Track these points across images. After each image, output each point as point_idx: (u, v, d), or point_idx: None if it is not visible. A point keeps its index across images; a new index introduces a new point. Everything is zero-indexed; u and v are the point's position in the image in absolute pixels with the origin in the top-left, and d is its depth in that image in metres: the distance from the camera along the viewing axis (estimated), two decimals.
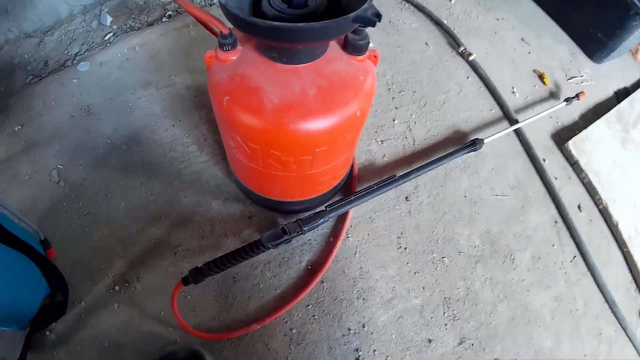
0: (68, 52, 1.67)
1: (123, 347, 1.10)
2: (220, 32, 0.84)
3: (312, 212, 1.15)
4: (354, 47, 0.89)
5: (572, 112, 1.82)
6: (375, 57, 0.95)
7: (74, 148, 1.41)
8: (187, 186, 1.35)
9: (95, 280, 1.18)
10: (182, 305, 1.14)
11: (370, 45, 1.60)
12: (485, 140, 1.45)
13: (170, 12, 1.86)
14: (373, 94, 0.95)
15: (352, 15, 0.72)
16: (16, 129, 1.44)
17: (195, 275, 1.05)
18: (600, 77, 2.04)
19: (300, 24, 0.70)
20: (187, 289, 1.14)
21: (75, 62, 1.64)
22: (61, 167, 1.37)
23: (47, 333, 1.10)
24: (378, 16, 0.75)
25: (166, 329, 1.12)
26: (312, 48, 0.85)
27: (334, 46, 0.92)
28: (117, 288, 1.17)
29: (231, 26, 0.82)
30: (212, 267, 1.05)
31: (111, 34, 1.75)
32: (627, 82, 2.08)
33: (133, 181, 1.35)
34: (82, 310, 1.14)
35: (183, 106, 1.53)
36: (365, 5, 0.74)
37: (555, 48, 2.07)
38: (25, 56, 1.64)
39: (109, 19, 1.79)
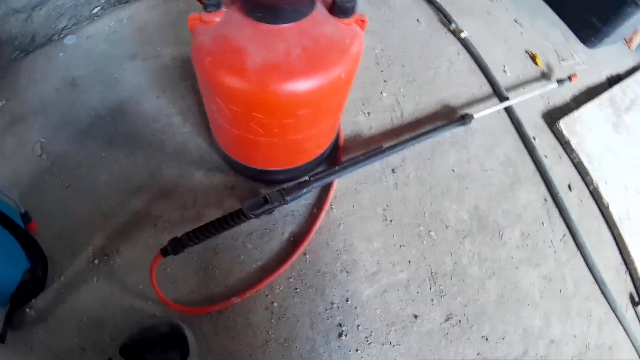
0: (55, 26, 1.64)
1: (102, 322, 1.10)
2: None
3: (296, 182, 1.15)
4: (340, 9, 0.89)
5: (563, 94, 1.82)
6: (362, 21, 0.94)
7: (58, 121, 1.41)
8: (169, 157, 1.34)
9: (76, 254, 1.18)
10: (161, 278, 1.13)
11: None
12: (475, 116, 1.44)
13: None
14: (359, 57, 0.94)
15: None
16: (1, 104, 1.44)
17: (175, 246, 1.04)
18: (593, 63, 2.04)
19: None
20: (166, 261, 1.12)
21: (62, 36, 1.62)
22: (44, 140, 1.36)
23: (27, 310, 1.10)
24: None
25: (145, 303, 1.12)
26: (296, 5, 0.84)
27: (320, 9, 0.92)
28: (96, 262, 1.16)
29: None
30: (192, 238, 1.04)
31: (99, 7, 1.73)
32: (620, 69, 2.08)
33: (116, 153, 1.35)
34: (61, 286, 1.13)
35: (168, 77, 1.52)
36: None
37: (549, 31, 2.08)
38: (13, 32, 1.61)
39: None
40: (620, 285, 1.43)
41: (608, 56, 2.11)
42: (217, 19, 0.87)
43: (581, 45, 2.10)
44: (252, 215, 1.05)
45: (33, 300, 1.11)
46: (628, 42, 2.23)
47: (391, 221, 1.31)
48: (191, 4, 0.77)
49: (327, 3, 0.92)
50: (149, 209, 1.25)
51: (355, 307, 1.17)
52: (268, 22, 0.85)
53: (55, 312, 1.10)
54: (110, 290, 1.14)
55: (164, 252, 1.05)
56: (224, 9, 0.88)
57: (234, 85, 0.85)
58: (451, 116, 1.57)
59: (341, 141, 1.40)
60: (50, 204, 1.25)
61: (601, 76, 2.01)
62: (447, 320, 1.20)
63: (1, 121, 1.40)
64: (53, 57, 1.55)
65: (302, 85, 0.85)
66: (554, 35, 2.07)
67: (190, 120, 1.42)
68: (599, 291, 1.38)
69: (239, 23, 0.87)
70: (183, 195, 1.28)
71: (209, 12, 0.86)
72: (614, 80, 2.00)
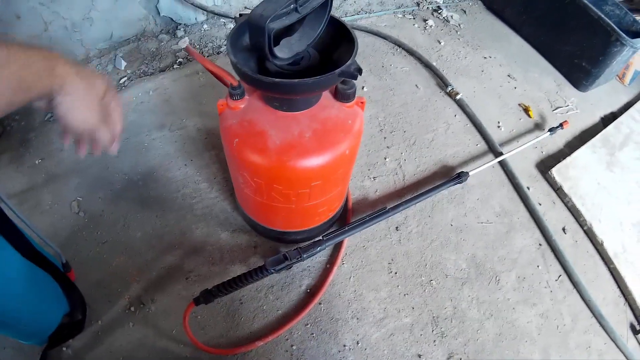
0: None
1: None
2: (231, 83, 0.96)
3: (311, 241, 1.24)
4: (343, 95, 1.02)
5: (557, 141, 1.91)
6: (362, 102, 1.08)
7: (93, 182, 1.52)
8: (198, 219, 1.46)
9: (113, 302, 1.27)
10: (192, 324, 1.23)
11: (364, 89, 1.79)
12: (471, 173, 1.54)
13: (180, 59, 2.00)
14: (361, 134, 1.07)
15: (337, 71, 0.85)
16: (37, 162, 1.55)
17: (206, 296, 1.13)
18: (587, 105, 2.12)
19: (295, 80, 0.83)
20: (197, 309, 1.22)
21: None
22: (81, 199, 1.47)
23: (64, 349, 1.17)
24: (359, 71, 0.89)
25: (178, 346, 1.21)
26: (307, 98, 0.98)
27: (327, 95, 1.05)
28: (132, 309, 1.26)
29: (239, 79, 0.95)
30: (221, 289, 1.13)
31: (126, 78, 1.89)
32: (614, 107, 2.17)
33: (149, 214, 1.46)
34: (98, 329, 1.21)
35: (194, 147, 1.64)
36: (349, 62, 0.87)
37: (542, 80, 2.18)
38: None
39: (124, 63, 1.94)
40: (620, 317, 1.46)
41: (602, 95, 2.19)
42: (242, 106, 1.01)
43: (574, 90, 2.19)
44: (273, 271, 1.12)
45: (70, 340, 1.18)
46: (621, 77, 2.32)
47: (396, 273, 1.41)
48: (210, 78, 0.89)
49: (332, 89, 1.05)
50: (181, 264, 1.35)
51: (365, 349, 1.26)
52: (284, 111, 0.99)
53: (92, 352, 1.18)
54: (145, 334, 1.21)
55: (197, 301, 1.14)
56: (247, 97, 1.01)
57: (257, 162, 0.97)
58: (449, 174, 1.66)
59: (350, 204, 1.51)
60: (87, 257, 1.34)
61: (595, 117, 2.08)
62: (448, 358, 1.28)
63: (38, 178, 1.51)
64: None
65: (314, 161, 0.97)
66: (546, 84, 2.16)
67: (215, 187, 1.54)
68: (597, 324, 1.42)
69: (260, 110, 1.00)
70: (211, 253, 1.38)
71: (235, 100, 1.00)
72: (608, 120, 2.07)
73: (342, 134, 1.01)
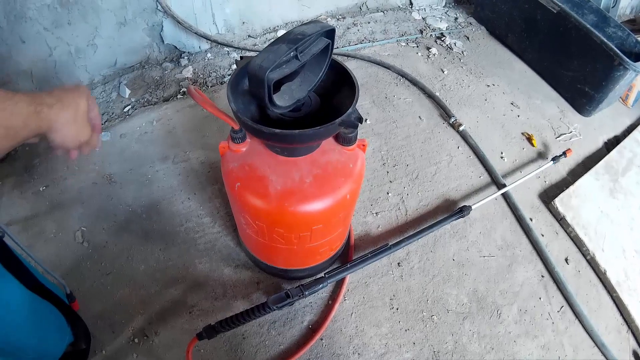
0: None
1: None
2: (232, 127, 0.97)
3: (313, 278, 1.25)
4: (344, 139, 1.02)
5: (560, 170, 1.91)
6: (364, 145, 1.09)
7: (96, 212, 1.54)
8: (201, 254, 1.48)
9: (116, 333, 1.28)
10: (196, 358, 1.25)
11: (367, 122, 1.80)
12: (473, 207, 1.55)
13: (184, 89, 2.03)
14: (362, 177, 1.07)
15: (338, 120, 0.86)
16: (41, 189, 1.58)
17: (209, 332, 1.14)
18: (590, 130, 2.13)
19: (295, 131, 0.83)
20: (200, 343, 1.21)
21: None
22: (85, 229, 1.49)
23: None
24: (360, 120, 0.89)
25: None
26: (307, 146, 0.99)
27: (328, 139, 1.06)
28: (136, 340, 1.27)
29: None
30: (224, 325, 1.14)
31: (130, 106, 1.92)
32: (618, 131, 2.17)
33: (152, 247, 1.47)
34: (102, 359, 1.23)
35: (197, 180, 1.66)
36: (349, 111, 0.88)
37: (545, 107, 2.19)
38: None
39: (128, 91, 1.98)
40: (622, 344, 1.46)
41: (605, 119, 2.19)
42: (243, 149, 1.02)
43: (577, 115, 2.19)
44: (275, 308, 1.12)
45: None
46: (624, 100, 2.31)
47: (397, 309, 1.41)
48: None
49: None
50: (184, 298, 1.37)
51: None
52: (285, 156, 1.00)
53: None
54: None
55: (200, 336, 1.14)
56: (248, 140, 1.03)
57: (259, 206, 0.98)
58: (451, 208, 1.67)
59: (352, 241, 1.52)
60: (91, 288, 1.36)
61: (598, 143, 2.08)
62: None
63: (42, 205, 1.53)
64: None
65: (314, 206, 0.98)
66: (549, 110, 2.17)
67: (218, 221, 1.55)
68: (599, 353, 1.42)
69: (262, 154, 1.01)
70: (214, 288, 1.40)
71: (236, 143, 1.01)
72: (611, 144, 2.07)
73: (342, 179, 1.02)
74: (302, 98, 0.95)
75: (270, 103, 0.86)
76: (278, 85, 0.92)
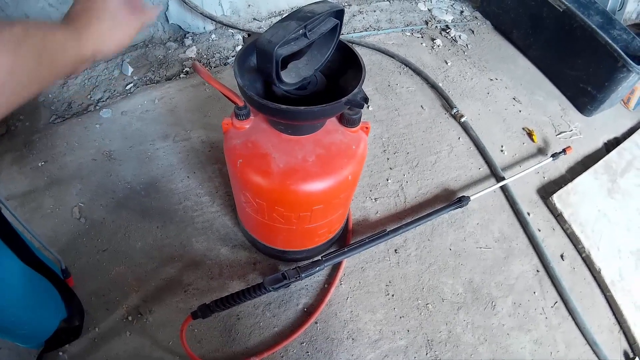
0: (91, 97, 1.81)
1: None
2: (236, 105, 0.97)
3: (310, 260, 1.26)
4: (348, 120, 1.02)
5: (559, 167, 1.92)
6: (367, 128, 1.08)
7: (95, 189, 1.53)
8: (199, 232, 1.47)
9: (111, 310, 1.28)
10: (189, 337, 1.24)
11: (370, 108, 1.79)
12: (472, 198, 1.55)
13: (187, 69, 2.01)
14: (364, 160, 1.07)
15: (344, 99, 0.86)
16: (39, 164, 1.57)
17: (204, 311, 1.15)
18: (591, 130, 2.13)
19: (301, 107, 0.83)
20: (194, 323, 1.23)
21: (97, 107, 1.77)
22: (82, 205, 1.48)
23: (60, 353, 1.19)
24: (366, 100, 0.89)
25: (173, 358, 1.22)
26: (312, 124, 0.99)
27: (332, 119, 1.05)
28: (130, 318, 1.27)
29: None
30: (219, 305, 1.15)
31: (132, 84, 1.91)
32: (618, 132, 2.17)
33: (150, 224, 1.47)
34: (95, 336, 1.23)
35: (198, 159, 1.66)
36: (356, 90, 0.87)
37: (547, 104, 2.19)
38: (50, 96, 1.78)
39: (130, 69, 1.96)
40: (614, 344, 1.47)
41: (606, 120, 2.19)
42: (247, 126, 1.01)
43: (578, 114, 2.19)
44: (271, 289, 1.14)
45: (67, 345, 1.19)
46: (626, 102, 2.32)
47: (393, 295, 1.42)
48: (216, 90, 0.89)
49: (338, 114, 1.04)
50: (180, 277, 1.36)
51: None
52: (289, 134, 1.00)
53: (88, 358, 1.19)
54: (141, 344, 1.23)
55: (194, 315, 1.15)
56: (252, 117, 1.02)
57: (260, 184, 0.98)
58: (450, 198, 1.67)
59: (350, 225, 1.52)
60: (87, 264, 1.35)
61: (598, 143, 2.09)
62: None
63: (40, 181, 1.52)
64: (90, 128, 1.69)
65: (316, 186, 0.97)
66: (551, 107, 2.18)
67: (217, 201, 1.55)
68: (590, 351, 1.43)
69: (265, 131, 1.01)
70: (211, 267, 1.39)
71: (240, 120, 1.00)
72: (611, 145, 2.08)
73: (345, 160, 1.01)
74: (308, 76, 0.94)
75: (278, 79, 0.85)
76: (285, 62, 0.92)
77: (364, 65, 0.95)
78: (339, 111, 0.95)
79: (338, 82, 1.01)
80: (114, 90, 1.88)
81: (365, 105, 0.91)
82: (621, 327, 1.53)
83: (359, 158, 1.05)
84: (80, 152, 1.63)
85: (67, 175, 1.56)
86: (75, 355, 1.20)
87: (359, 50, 2.17)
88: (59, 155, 1.61)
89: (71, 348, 1.20)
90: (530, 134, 2.02)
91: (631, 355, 1.48)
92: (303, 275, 1.19)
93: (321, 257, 1.26)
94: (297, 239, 1.30)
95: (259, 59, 0.82)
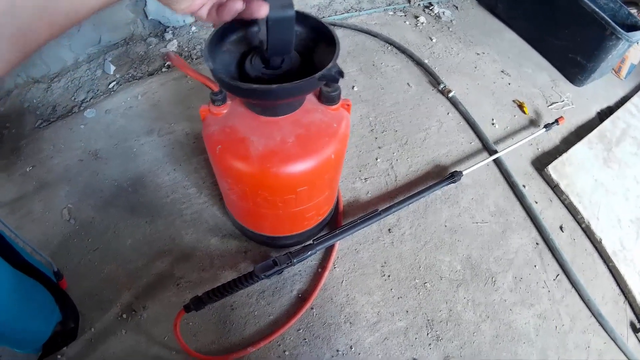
0: (75, 98, 1.79)
1: None
2: (212, 90, 0.94)
3: (301, 245, 1.23)
4: (327, 98, 0.99)
5: (552, 138, 1.89)
6: (348, 105, 1.05)
7: (83, 189, 1.51)
8: (188, 225, 1.45)
9: (105, 309, 1.26)
10: (184, 331, 1.22)
11: (355, 89, 1.75)
12: (464, 172, 1.53)
13: (169, 63, 1.99)
14: (347, 138, 1.04)
15: (317, 74, 0.81)
16: (27, 169, 1.55)
17: (196, 303, 1.13)
18: (582, 100, 2.11)
19: (273, 86, 0.79)
20: (188, 316, 1.21)
21: (82, 108, 1.75)
22: (71, 206, 1.46)
23: (59, 357, 1.17)
24: (341, 74, 0.85)
25: (170, 353, 1.20)
26: (288, 103, 0.95)
27: (311, 98, 1.02)
28: (124, 316, 1.25)
29: None
30: (211, 296, 1.12)
31: (115, 82, 1.88)
32: (611, 101, 2.16)
33: (139, 220, 1.45)
34: (91, 336, 1.21)
35: (183, 152, 1.64)
36: (330, 65, 0.83)
37: (536, 76, 2.16)
38: (34, 101, 1.76)
39: (112, 68, 1.93)
40: (620, 315, 1.45)
41: (598, 90, 2.18)
42: (224, 112, 0.99)
43: (569, 84, 2.18)
44: (263, 276, 1.12)
45: (65, 348, 1.18)
46: (617, 71, 2.31)
47: (389, 276, 1.39)
48: (198, 82, 0.87)
49: (316, 92, 1.02)
50: (171, 271, 1.34)
51: (359, 354, 1.25)
52: (267, 116, 0.97)
53: (86, 359, 1.18)
54: (137, 341, 1.21)
55: (187, 308, 1.13)
56: (229, 102, 0.99)
57: (240, 169, 0.96)
58: (442, 174, 1.65)
59: (341, 207, 1.49)
60: (78, 265, 1.34)
61: (591, 113, 2.07)
62: None
63: (29, 186, 1.50)
64: (75, 129, 1.66)
65: (297, 167, 0.95)
66: (541, 79, 2.15)
67: (204, 192, 1.53)
68: (596, 323, 1.41)
69: (243, 115, 0.98)
70: (201, 259, 1.37)
71: (217, 105, 0.98)
72: (604, 114, 2.06)
73: (326, 138, 0.98)
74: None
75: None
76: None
77: (337, 39, 0.90)
78: (313, 87, 0.91)
79: (313, 59, 0.97)
80: (98, 90, 1.86)
81: (341, 78, 0.87)
82: (626, 297, 1.50)
83: (341, 136, 1.02)
84: (67, 153, 1.61)
85: (55, 178, 1.54)
86: (72, 357, 1.19)
87: (340, 32, 2.16)
88: (46, 159, 1.59)
89: (69, 350, 1.19)
90: (521, 106, 1.99)
91: (638, 325, 1.46)
92: (295, 260, 1.17)
93: (312, 241, 1.24)
94: (285, 223, 1.27)
95: (278, 30, 0.77)
